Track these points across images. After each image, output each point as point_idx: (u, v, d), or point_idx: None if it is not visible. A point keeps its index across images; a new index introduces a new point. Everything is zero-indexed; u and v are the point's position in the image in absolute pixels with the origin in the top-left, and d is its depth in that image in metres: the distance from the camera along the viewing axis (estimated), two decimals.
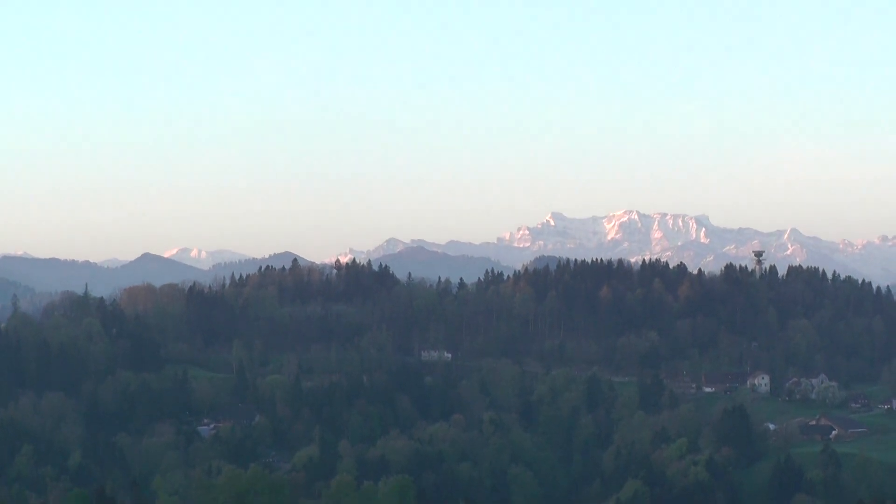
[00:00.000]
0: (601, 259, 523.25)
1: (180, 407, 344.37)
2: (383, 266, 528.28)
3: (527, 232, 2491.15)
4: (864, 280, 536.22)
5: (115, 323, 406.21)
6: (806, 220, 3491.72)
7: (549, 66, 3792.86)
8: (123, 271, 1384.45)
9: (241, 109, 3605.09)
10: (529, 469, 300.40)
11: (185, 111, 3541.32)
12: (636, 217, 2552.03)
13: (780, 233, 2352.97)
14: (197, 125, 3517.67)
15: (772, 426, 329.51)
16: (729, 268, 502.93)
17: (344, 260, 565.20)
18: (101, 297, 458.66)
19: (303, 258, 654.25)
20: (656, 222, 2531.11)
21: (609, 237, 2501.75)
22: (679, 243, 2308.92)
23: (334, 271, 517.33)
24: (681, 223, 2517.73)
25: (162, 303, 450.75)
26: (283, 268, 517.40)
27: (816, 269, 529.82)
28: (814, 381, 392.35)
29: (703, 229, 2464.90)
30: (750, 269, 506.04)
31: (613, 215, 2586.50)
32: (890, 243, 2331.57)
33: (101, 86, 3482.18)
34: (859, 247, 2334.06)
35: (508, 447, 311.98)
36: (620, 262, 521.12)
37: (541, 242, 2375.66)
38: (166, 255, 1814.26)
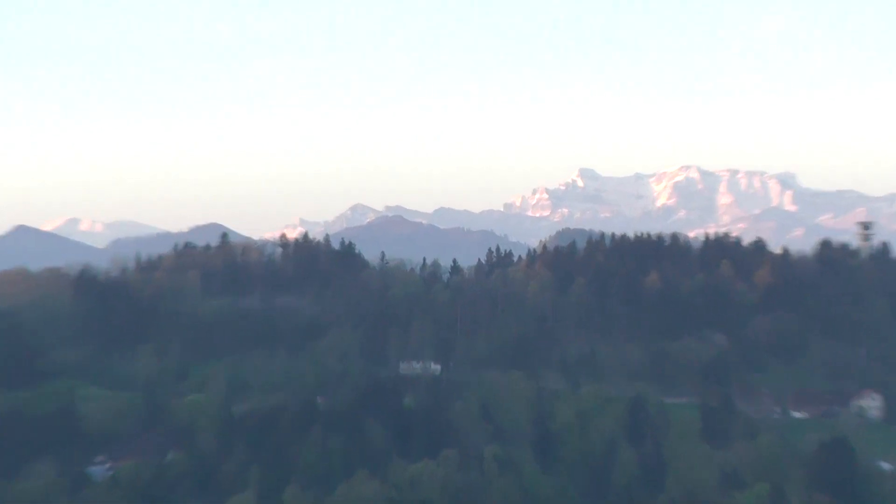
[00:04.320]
0: (648, 233, 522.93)
1: (65, 438, 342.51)
2: (347, 242, 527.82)
3: (545, 196, 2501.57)
4: None
5: None
6: None
7: None
8: None
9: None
10: None
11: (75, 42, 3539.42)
12: (696, 175, 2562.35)
13: (892, 197, 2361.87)
14: (91, 62, 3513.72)
15: (885, 465, 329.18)
16: (824, 245, 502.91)
17: (292, 234, 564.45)
18: None
19: (235, 232, 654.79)
20: (724, 182, 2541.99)
21: (659, 203, 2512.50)
22: (756, 211, 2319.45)
23: (279, 250, 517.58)
24: (758, 183, 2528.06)
25: (41, 293, 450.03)
26: (209, 245, 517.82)
27: None
28: None
29: (789, 192, 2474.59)
30: (854, 247, 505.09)
31: (665, 173, 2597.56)
32: None
33: None
34: None
35: (520, 493, 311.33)
36: (675, 236, 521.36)
37: (564, 210, 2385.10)
38: (47, 227, 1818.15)
